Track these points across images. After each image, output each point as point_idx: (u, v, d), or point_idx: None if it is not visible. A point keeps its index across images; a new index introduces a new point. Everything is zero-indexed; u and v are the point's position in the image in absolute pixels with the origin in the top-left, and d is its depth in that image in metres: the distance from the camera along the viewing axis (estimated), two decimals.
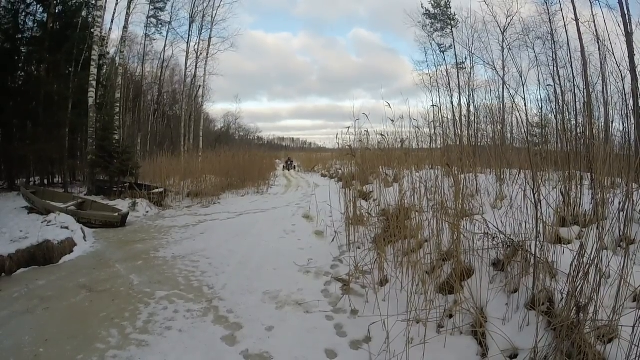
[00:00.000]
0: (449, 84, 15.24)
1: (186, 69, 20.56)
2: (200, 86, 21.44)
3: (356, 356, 3.05)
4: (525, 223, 3.37)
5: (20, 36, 13.41)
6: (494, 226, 3.37)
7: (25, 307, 4.07)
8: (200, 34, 20.33)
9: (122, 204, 9.70)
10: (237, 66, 62.74)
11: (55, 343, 3.33)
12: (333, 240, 5.96)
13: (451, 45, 16.47)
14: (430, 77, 16.12)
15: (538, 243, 2.82)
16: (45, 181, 14.10)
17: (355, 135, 7.35)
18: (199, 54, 20.27)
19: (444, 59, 17.22)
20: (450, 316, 3.18)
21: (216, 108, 69.26)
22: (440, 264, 3.68)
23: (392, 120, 6.28)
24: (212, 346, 3.27)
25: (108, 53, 18.41)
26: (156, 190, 11.22)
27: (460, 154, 6.38)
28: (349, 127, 7.05)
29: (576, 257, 2.28)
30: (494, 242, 3.37)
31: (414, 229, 4.60)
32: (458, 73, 15.00)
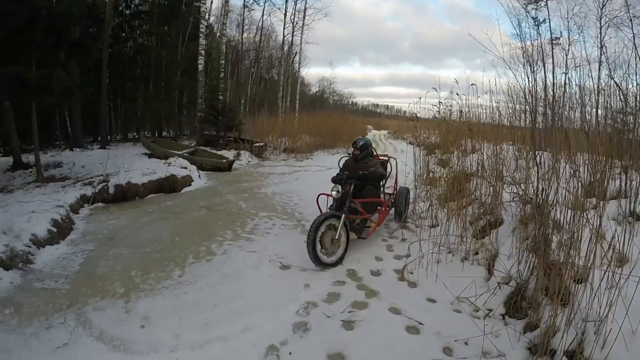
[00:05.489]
0: (542, 59, 14.44)
1: (284, 37, 21.76)
2: (296, 53, 22.63)
3: (396, 262, 4.22)
4: (558, 190, 3.88)
5: (128, 12, 15.70)
6: (522, 189, 4.17)
7: (160, 217, 5.73)
8: (296, 5, 21.31)
9: (228, 154, 11.38)
10: (327, 32, 62.68)
11: (186, 236, 4.90)
12: None
13: (545, 19, 15.35)
14: (524, 52, 15.29)
15: (540, 199, 3.53)
16: (156, 134, 16.48)
17: (442, 106, 7.56)
18: (294, 23, 21.36)
19: (538, 33, 16.11)
20: (476, 253, 4.08)
21: (311, 73, 70.46)
22: (481, 216, 4.60)
23: (489, 94, 6.36)
24: (297, 244, 4.59)
25: (210, 24, 20.37)
26: (257, 144, 12.87)
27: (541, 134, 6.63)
28: (420, 98, 7.14)
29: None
30: (516, 198, 4.20)
31: (470, 191, 5.40)
32: (552, 49, 14.14)
